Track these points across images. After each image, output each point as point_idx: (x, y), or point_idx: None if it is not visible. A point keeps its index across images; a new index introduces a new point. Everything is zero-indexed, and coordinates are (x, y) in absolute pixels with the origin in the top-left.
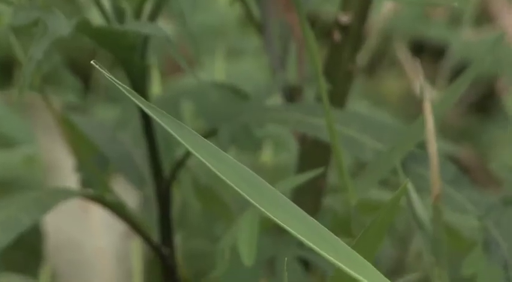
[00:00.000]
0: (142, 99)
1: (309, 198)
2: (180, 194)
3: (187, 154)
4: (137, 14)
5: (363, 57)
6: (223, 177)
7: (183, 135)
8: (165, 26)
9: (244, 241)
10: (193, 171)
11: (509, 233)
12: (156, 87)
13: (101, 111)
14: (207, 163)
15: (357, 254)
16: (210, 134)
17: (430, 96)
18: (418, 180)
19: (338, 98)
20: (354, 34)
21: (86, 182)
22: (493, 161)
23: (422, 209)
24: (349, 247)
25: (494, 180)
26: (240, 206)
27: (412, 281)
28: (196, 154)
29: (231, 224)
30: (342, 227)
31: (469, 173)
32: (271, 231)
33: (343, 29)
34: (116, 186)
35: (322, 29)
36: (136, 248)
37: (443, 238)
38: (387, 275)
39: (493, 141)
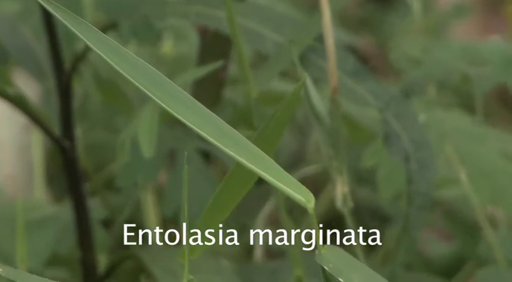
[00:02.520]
0: None
1: (209, 90)
2: (81, 87)
3: (88, 47)
4: None
5: None
6: (122, 72)
7: (81, 30)
8: None
9: (144, 133)
10: (94, 64)
11: (410, 124)
12: None
13: (1, 4)
14: (106, 58)
15: (257, 147)
16: (110, 27)
17: None
18: (318, 72)
19: None
20: None
21: None
22: (393, 51)
23: (320, 102)
24: (248, 141)
25: (394, 70)
26: (141, 98)
27: (311, 174)
28: (95, 49)
29: (132, 117)
30: (242, 119)
31: (368, 62)
32: (172, 123)
33: None
34: (16, 79)
35: None
36: (37, 141)
37: (341, 130)
38: (286, 167)
39: (393, 31)
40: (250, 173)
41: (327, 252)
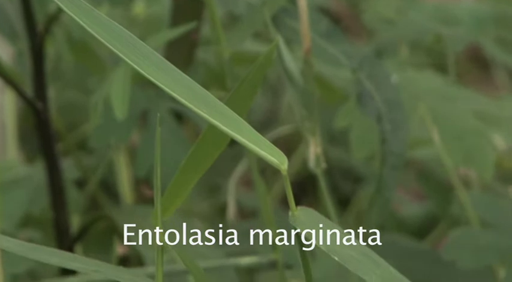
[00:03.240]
0: None
1: (182, 51)
2: (54, 48)
3: (60, 9)
4: None
5: None
6: (95, 34)
7: None
8: None
9: (116, 94)
10: (67, 26)
11: (382, 84)
12: None
13: None
14: (78, 20)
15: (229, 109)
16: None
17: None
18: (290, 33)
19: None
20: None
21: None
22: (366, 11)
23: (292, 63)
24: (221, 102)
25: (367, 30)
26: (114, 60)
27: (283, 134)
28: (68, 11)
29: (104, 78)
30: (215, 80)
31: (341, 23)
32: (145, 84)
33: None
34: None
35: None
36: (10, 102)
37: (314, 91)
38: (259, 127)
39: None
40: (223, 134)
41: (301, 214)
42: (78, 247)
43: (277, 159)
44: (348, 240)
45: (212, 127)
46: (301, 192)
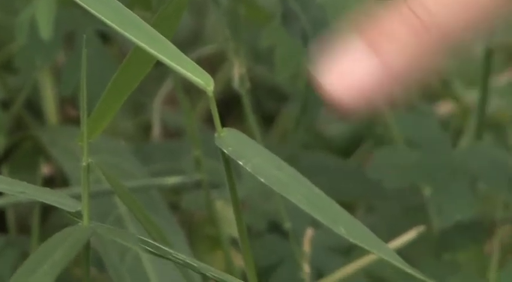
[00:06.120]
0: None
1: None
2: None
3: None
4: None
5: None
6: None
7: None
8: None
9: (42, 15)
10: None
11: (308, 3)
12: None
13: None
14: None
15: (155, 30)
16: None
17: None
18: None
19: None
20: None
21: None
22: None
23: None
24: (146, 23)
25: None
26: None
27: (208, 54)
28: None
29: None
30: (140, 1)
31: None
32: (70, 5)
33: None
34: None
35: None
36: None
37: (239, 10)
38: (184, 47)
39: None
40: (149, 55)
41: (227, 135)
42: (4, 168)
43: (203, 80)
44: (274, 161)
45: (138, 48)
46: (225, 110)
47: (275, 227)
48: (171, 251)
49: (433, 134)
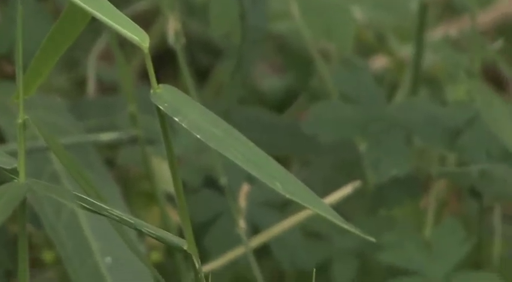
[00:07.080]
0: None
1: None
2: None
3: None
4: None
5: None
6: None
7: None
8: None
9: None
10: None
11: None
12: None
13: None
14: None
15: None
16: None
17: None
18: None
19: None
20: None
21: None
22: None
23: None
24: None
25: None
26: None
27: (142, 9)
28: None
29: None
30: None
31: None
32: None
33: None
34: None
35: None
36: None
37: None
38: (118, 3)
39: None
40: (84, 12)
41: (162, 92)
42: None
43: (139, 37)
44: (209, 117)
45: (73, 4)
46: (160, 65)
47: (211, 183)
48: (106, 207)
49: (368, 89)
